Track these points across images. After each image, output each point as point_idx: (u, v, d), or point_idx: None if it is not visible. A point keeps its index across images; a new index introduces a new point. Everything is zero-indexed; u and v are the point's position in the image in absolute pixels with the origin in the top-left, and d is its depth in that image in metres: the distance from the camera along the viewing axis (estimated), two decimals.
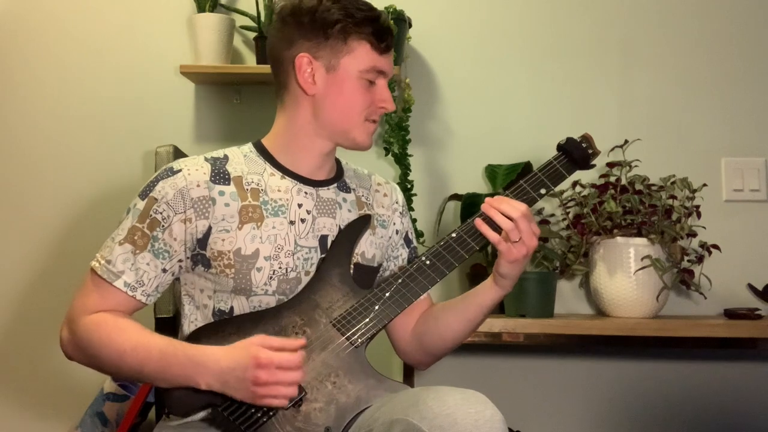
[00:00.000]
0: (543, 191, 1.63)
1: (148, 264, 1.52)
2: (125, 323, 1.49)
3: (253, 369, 1.38)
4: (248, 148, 1.65)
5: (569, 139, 1.67)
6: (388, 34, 1.59)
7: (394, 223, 1.76)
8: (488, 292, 1.63)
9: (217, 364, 1.41)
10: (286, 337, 1.51)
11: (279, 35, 1.61)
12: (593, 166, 1.71)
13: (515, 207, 1.55)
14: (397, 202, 1.78)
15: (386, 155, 2.46)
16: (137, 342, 1.46)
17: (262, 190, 1.58)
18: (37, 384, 2.50)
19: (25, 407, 2.51)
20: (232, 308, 1.56)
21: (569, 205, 2.40)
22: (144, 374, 1.47)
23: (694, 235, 2.33)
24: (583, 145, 1.68)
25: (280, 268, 1.56)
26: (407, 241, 1.79)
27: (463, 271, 2.45)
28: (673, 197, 2.34)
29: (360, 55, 1.56)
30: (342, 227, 1.64)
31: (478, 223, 1.58)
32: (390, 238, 1.75)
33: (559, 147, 1.67)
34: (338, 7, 1.55)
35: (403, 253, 1.78)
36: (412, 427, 1.32)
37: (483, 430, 1.31)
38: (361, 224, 1.65)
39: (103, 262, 1.52)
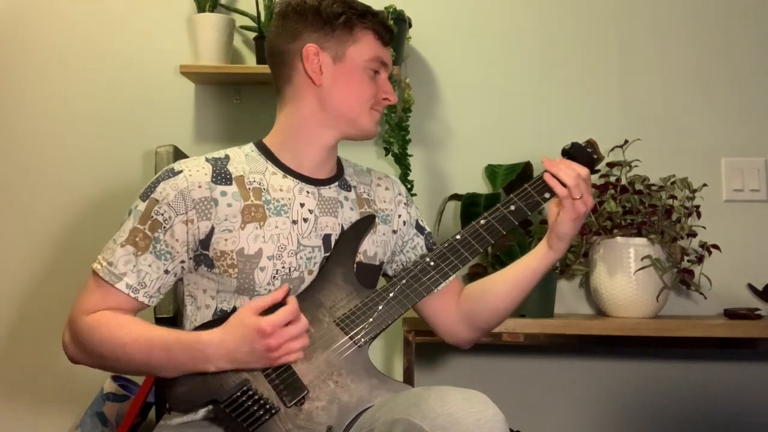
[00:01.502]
0: (547, 195, 1.64)
1: (150, 266, 1.52)
2: (124, 318, 1.50)
3: (260, 340, 1.40)
4: (249, 147, 1.65)
5: (574, 144, 1.68)
6: (389, 27, 1.64)
7: (400, 215, 1.76)
8: (543, 258, 1.65)
9: (221, 346, 1.42)
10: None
11: (281, 31, 1.63)
12: (598, 171, 1.72)
13: (575, 168, 1.59)
14: (400, 194, 1.78)
15: (386, 155, 2.46)
16: (138, 334, 1.47)
17: (264, 189, 1.58)
18: (37, 384, 2.50)
19: (25, 407, 2.50)
20: (234, 308, 1.55)
21: None
22: (149, 365, 1.48)
23: (694, 235, 2.33)
24: (588, 150, 1.69)
25: (283, 267, 1.56)
26: (420, 229, 1.79)
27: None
28: (673, 197, 2.34)
29: (365, 45, 1.60)
30: (344, 226, 1.64)
31: (547, 177, 1.61)
32: (395, 232, 1.75)
33: (564, 152, 1.68)
34: (340, 2, 1.60)
35: (420, 242, 1.78)
36: (414, 426, 1.32)
37: (485, 429, 1.31)
38: (365, 224, 1.66)
39: (104, 264, 1.51)
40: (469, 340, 1.77)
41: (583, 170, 1.60)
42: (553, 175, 1.60)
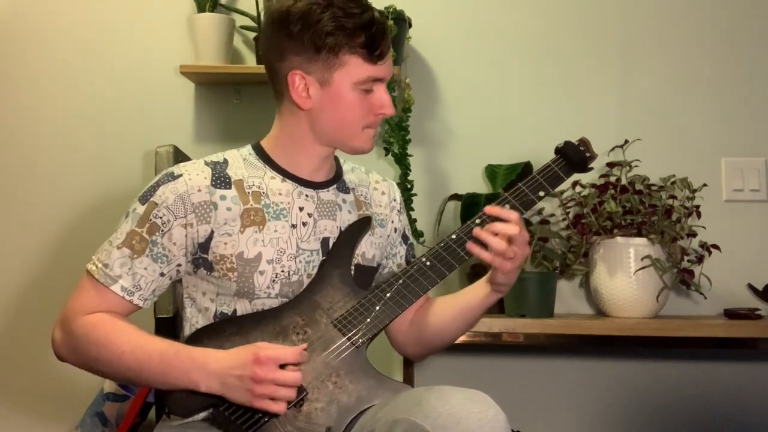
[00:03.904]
0: (541, 194, 1.63)
1: (146, 268, 1.51)
2: (124, 325, 1.49)
3: (251, 365, 1.38)
4: (247, 151, 1.64)
5: (567, 143, 1.68)
6: (381, 40, 1.54)
7: (393, 221, 1.76)
8: (485, 297, 1.64)
9: (218, 363, 1.42)
10: (287, 339, 1.51)
11: (270, 44, 1.57)
12: (591, 169, 1.71)
13: (509, 226, 1.53)
14: (395, 200, 1.77)
15: (386, 155, 2.46)
16: (137, 343, 1.46)
17: (263, 193, 1.57)
18: (37, 384, 2.50)
19: (25, 407, 2.51)
20: (234, 311, 1.55)
21: (569, 205, 2.40)
22: (143, 376, 1.47)
23: (694, 235, 2.33)
24: (581, 148, 1.68)
25: (282, 271, 1.55)
26: (404, 239, 1.79)
27: (464, 271, 2.45)
28: (673, 197, 2.34)
29: (353, 69, 1.53)
30: (342, 229, 1.63)
31: (469, 246, 1.55)
32: (389, 236, 1.75)
33: (557, 150, 1.68)
34: (329, 16, 1.50)
35: (401, 251, 1.78)
36: (415, 426, 1.32)
37: (486, 429, 1.31)
38: (362, 226, 1.65)
39: (100, 265, 1.51)
40: (417, 355, 1.77)
41: (515, 218, 1.53)
42: (483, 240, 1.54)
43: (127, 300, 1.51)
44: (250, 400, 1.40)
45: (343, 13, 1.51)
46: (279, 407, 1.40)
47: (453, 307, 1.68)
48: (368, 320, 1.54)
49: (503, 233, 1.53)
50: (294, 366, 1.42)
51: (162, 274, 1.53)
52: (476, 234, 1.55)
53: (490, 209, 1.57)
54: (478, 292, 1.65)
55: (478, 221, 1.61)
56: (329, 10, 1.50)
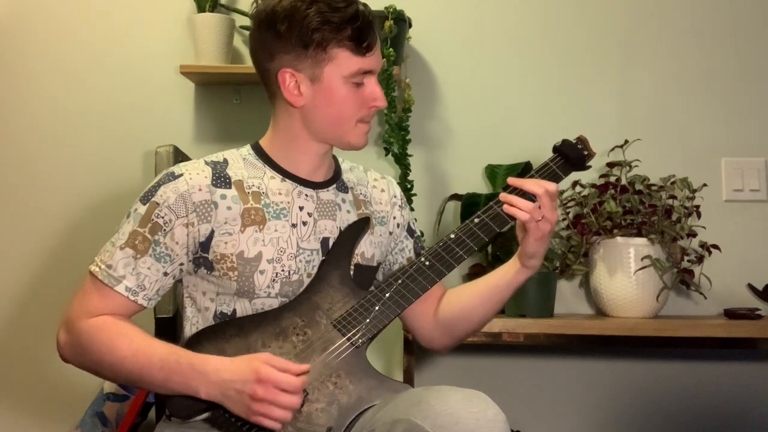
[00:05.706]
0: None
1: (149, 268, 1.51)
2: (127, 328, 1.49)
3: (252, 383, 1.38)
4: (247, 150, 1.64)
5: (564, 141, 1.68)
6: (368, 32, 1.55)
7: (395, 217, 1.76)
8: (516, 274, 1.64)
9: (218, 374, 1.41)
10: (287, 340, 1.51)
11: (259, 44, 1.59)
12: (589, 167, 1.71)
13: (539, 184, 1.56)
14: (395, 196, 1.78)
15: (386, 155, 2.46)
16: (138, 348, 1.46)
17: (263, 193, 1.58)
18: (37, 384, 2.50)
19: (25, 407, 2.51)
20: (234, 311, 1.56)
21: (569, 205, 2.40)
22: (144, 381, 1.47)
23: (694, 235, 2.33)
24: (579, 146, 1.68)
25: (282, 270, 1.56)
26: (410, 232, 1.79)
27: (464, 271, 2.45)
28: (673, 197, 2.34)
29: (342, 62, 1.54)
30: (342, 229, 1.64)
31: (506, 207, 1.58)
32: (391, 233, 1.75)
33: (555, 149, 1.68)
34: (314, 12, 1.51)
35: (408, 244, 1.78)
36: (415, 426, 1.32)
37: (485, 429, 1.31)
38: (361, 226, 1.65)
39: (103, 266, 1.51)
40: (445, 346, 1.76)
41: (547, 184, 1.57)
42: (512, 203, 1.57)
43: (132, 300, 1.51)
44: (247, 415, 1.40)
45: (328, 7, 1.52)
46: (273, 425, 1.40)
47: (481, 292, 1.68)
48: (368, 320, 1.54)
49: (529, 191, 1.55)
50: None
51: (165, 274, 1.53)
52: (503, 197, 1.57)
53: (513, 180, 1.59)
54: (507, 270, 1.65)
55: (477, 220, 1.61)
56: (314, 5, 1.51)
